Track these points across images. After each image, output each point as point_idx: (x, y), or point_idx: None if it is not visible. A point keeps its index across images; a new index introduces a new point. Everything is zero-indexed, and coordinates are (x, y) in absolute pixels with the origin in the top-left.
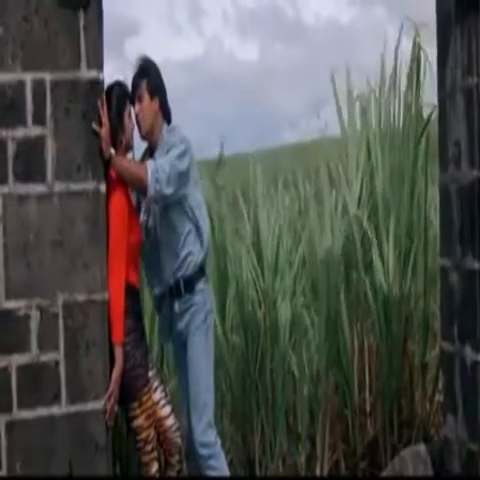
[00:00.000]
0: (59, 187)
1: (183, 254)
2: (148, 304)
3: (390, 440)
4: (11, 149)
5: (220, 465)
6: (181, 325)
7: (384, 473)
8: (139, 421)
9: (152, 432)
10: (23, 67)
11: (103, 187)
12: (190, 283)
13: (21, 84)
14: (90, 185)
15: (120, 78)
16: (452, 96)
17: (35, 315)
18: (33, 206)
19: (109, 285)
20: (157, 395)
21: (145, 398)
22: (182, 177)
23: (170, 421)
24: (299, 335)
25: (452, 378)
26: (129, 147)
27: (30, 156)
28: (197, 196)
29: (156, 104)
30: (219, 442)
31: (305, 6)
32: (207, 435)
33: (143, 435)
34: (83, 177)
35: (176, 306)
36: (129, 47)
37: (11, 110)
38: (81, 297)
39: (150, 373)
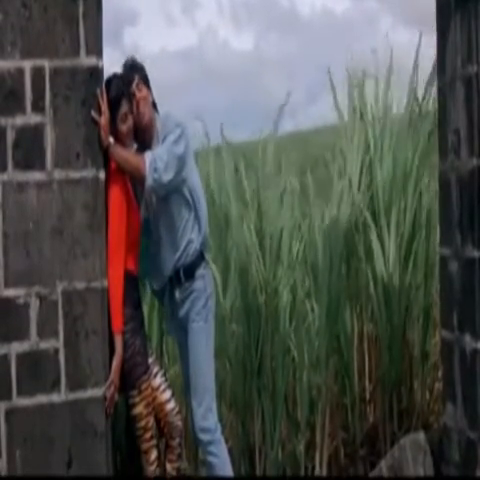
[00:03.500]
0: (58, 175)
1: (183, 244)
2: (147, 292)
3: (390, 428)
4: (10, 137)
5: (220, 452)
6: (182, 312)
7: (383, 461)
8: (138, 409)
9: (151, 420)
10: (22, 54)
11: (102, 175)
12: (190, 270)
13: (20, 72)
14: (89, 173)
15: (118, 69)
16: (452, 84)
17: (34, 303)
18: (32, 194)
19: (108, 273)
20: (157, 380)
21: (144, 386)
22: (180, 161)
23: (171, 405)
24: (300, 322)
25: (452, 366)
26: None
27: (29, 144)
28: (194, 179)
29: (150, 96)
30: (220, 429)
31: None
32: (207, 420)
33: (142, 423)
34: (82, 165)
35: (177, 294)
36: (126, 38)
37: (10, 98)
38: (80, 285)
39: (149, 360)
